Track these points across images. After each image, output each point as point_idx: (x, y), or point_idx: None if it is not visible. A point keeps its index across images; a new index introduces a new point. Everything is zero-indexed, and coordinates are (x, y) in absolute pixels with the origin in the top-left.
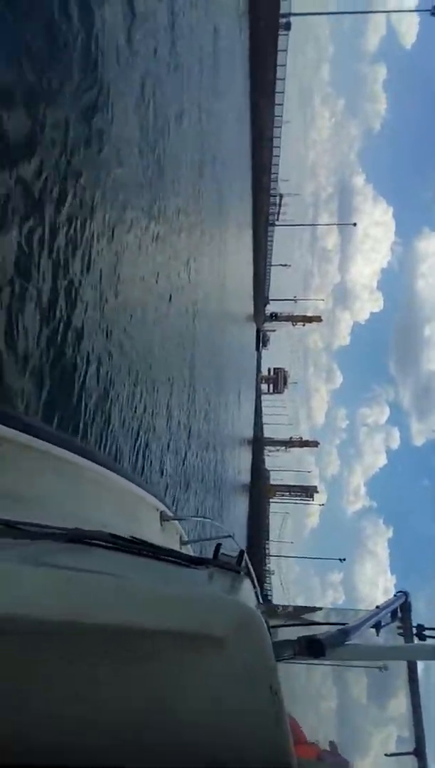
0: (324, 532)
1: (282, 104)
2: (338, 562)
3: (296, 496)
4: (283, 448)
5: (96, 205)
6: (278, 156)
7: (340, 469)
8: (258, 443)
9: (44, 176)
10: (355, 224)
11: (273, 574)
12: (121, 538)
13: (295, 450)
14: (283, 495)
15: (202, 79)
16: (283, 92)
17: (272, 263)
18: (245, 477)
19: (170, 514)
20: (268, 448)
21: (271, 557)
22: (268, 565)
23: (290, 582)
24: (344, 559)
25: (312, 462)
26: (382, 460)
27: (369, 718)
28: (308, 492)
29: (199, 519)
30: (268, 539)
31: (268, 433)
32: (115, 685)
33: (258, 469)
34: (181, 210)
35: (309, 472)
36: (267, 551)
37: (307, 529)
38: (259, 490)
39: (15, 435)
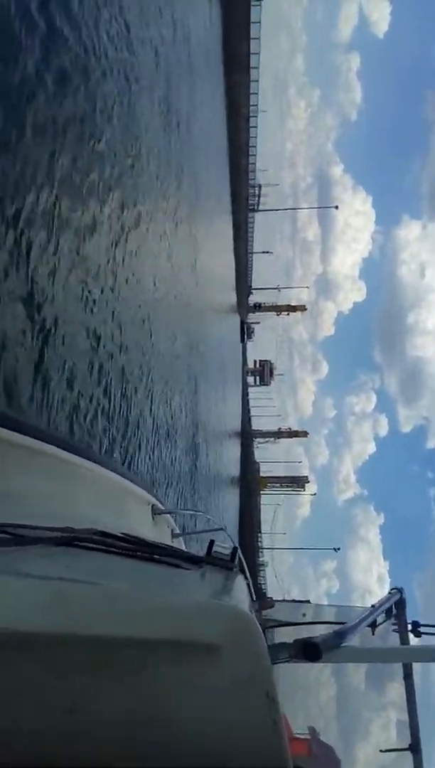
0: (316, 522)
1: (257, 80)
2: (331, 551)
3: (287, 487)
4: (273, 439)
5: (66, 195)
6: (256, 137)
7: (330, 459)
8: (247, 435)
9: (12, 166)
10: (337, 207)
11: (267, 566)
12: (112, 536)
13: (284, 441)
14: (274, 486)
15: (175, 56)
16: (257, 68)
17: (254, 251)
18: (235, 470)
19: (161, 507)
20: (257, 440)
21: (264, 550)
22: (261, 558)
23: (284, 573)
24: (339, 549)
25: (301, 453)
26: (370, 448)
27: (367, 706)
28: (299, 482)
29: (190, 512)
30: (260, 531)
31: (256, 425)
32: (109, 697)
33: (248, 462)
34: (156, 197)
35: (299, 462)
36: (260, 544)
37: (298, 519)
38: (250, 482)
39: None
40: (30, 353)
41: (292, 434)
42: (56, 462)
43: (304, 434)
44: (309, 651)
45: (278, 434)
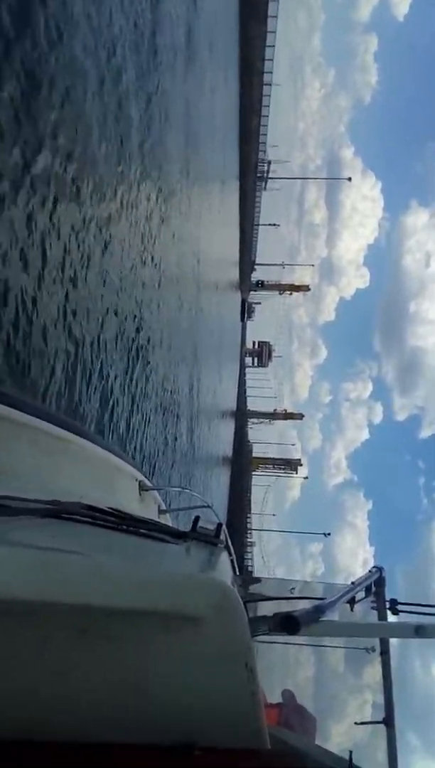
0: (305, 505)
1: (272, 59)
2: (320, 535)
3: (280, 469)
4: (268, 420)
5: (73, 168)
6: (267, 116)
7: (323, 443)
8: (241, 415)
9: (18, 143)
10: (350, 179)
11: (254, 546)
12: (99, 510)
13: (279, 423)
14: (266, 468)
15: (188, 27)
16: (273, 46)
17: (260, 223)
18: (227, 449)
19: (149, 484)
20: (251, 420)
21: (252, 531)
22: (249, 538)
23: (271, 554)
24: (329, 534)
25: (295, 436)
26: (364, 435)
27: (345, 686)
28: (292, 465)
29: (178, 489)
30: (250, 512)
31: (251, 406)
32: (92, 665)
33: (241, 442)
34: (157, 159)
35: (293, 445)
36: (249, 524)
37: (288, 502)
38: (242, 462)
39: None
40: (18, 326)
41: (288, 416)
42: (44, 436)
43: (300, 416)
44: (288, 624)
45: (273, 415)
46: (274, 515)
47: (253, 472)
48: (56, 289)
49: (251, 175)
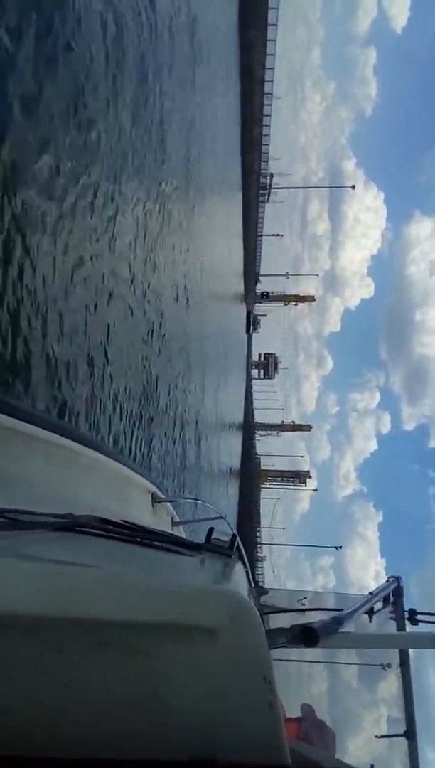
0: (315, 518)
1: (273, 68)
2: (331, 548)
3: (289, 481)
4: (275, 432)
5: (76, 181)
6: (269, 126)
7: (331, 455)
8: (249, 428)
9: (20, 154)
10: (353, 187)
11: (265, 560)
12: (112, 523)
13: (286, 435)
14: (275, 480)
15: (188, 37)
16: (273, 54)
17: (263, 233)
18: (236, 462)
19: (162, 495)
20: (259, 432)
21: (262, 545)
22: (260, 553)
23: (281, 567)
24: (340, 547)
25: (303, 448)
26: (372, 445)
27: (360, 700)
28: (301, 477)
29: (190, 500)
30: (259, 525)
31: (259, 418)
32: (107, 679)
33: (249, 455)
34: (159, 170)
35: (301, 456)
36: (259, 538)
37: (297, 514)
38: (250, 475)
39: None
40: (30, 341)
41: (296, 427)
42: (57, 449)
43: (308, 428)
44: (306, 636)
45: (281, 427)
46: (283, 528)
47: (262, 485)
48: (67, 304)
49: (254, 185)
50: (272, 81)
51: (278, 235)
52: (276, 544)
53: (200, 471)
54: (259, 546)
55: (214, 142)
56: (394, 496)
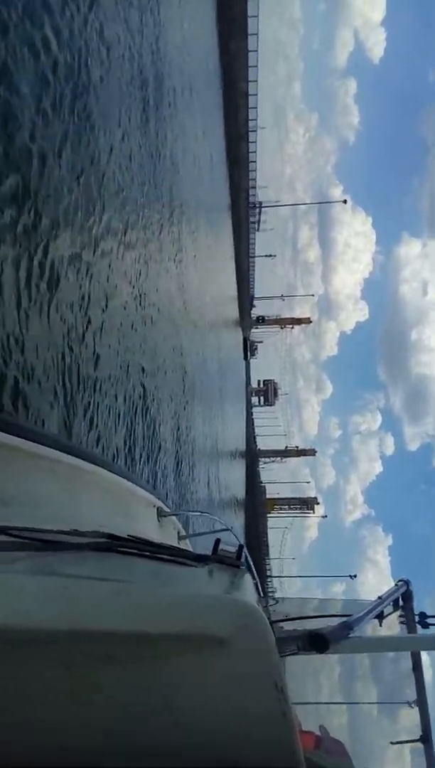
0: (324, 545)
1: (256, 81)
2: (345, 577)
3: (296, 509)
4: (280, 458)
5: (64, 213)
6: (255, 152)
7: (336, 479)
8: (252, 456)
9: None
10: (345, 201)
11: (276, 592)
12: (119, 538)
13: (291, 462)
14: (281, 509)
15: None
16: (256, 66)
17: (256, 255)
18: (240, 492)
19: (167, 509)
20: (262, 459)
21: (272, 578)
22: (270, 587)
23: (293, 595)
24: (355, 576)
25: (308, 474)
26: (377, 467)
27: (381, 734)
28: (308, 504)
29: (196, 513)
30: (268, 557)
31: (261, 446)
32: (119, 690)
33: (253, 483)
34: (145, 193)
35: (308, 482)
36: (268, 571)
37: (306, 543)
38: (256, 504)
39: (4, 438)
40: (34, 362)
41: (300, 453)
42: (61, 466)
43: (312, 452)
44: (316, 642)
45: (285, 453)
46: (293, 559)
47: (269, 515)
48: (63, 321)
49: (244, 204)
50: (256, 94)
51: (271, 255)
52: (286, 576)
53: (203, 504)
54: (269, 579)
55: (199, 159)
56: (403, 518)
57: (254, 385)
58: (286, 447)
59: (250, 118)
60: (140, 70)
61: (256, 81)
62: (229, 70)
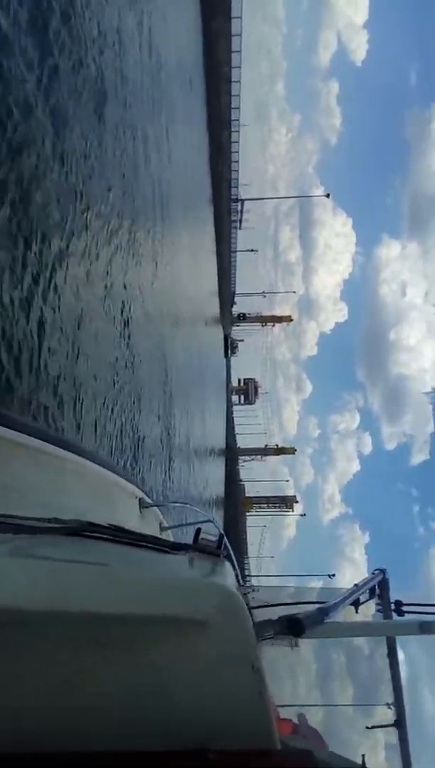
0: (302, 544)
1: (239, 81)
2: (322, 575)
3: (275, 507)
4: (259, 456)
5: (45, 213)
6: (238, 153)
7: (314, 478)
8: (231, 454)
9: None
10: (328, 195)
11: (256, 591)
12: (101, 526)
13: (270, 460)
14: (260, 507)
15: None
16: (239, 81)
17: (238, 250)
18: (219, 490)
19: (149, 501)
20: (242, 458)
21: (251, 576)
22: (248, 584)
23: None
24: (334, 575)
25: (286, 472)
26: (355, 466)
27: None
28: (287, 502)
29: (178, 504)
30: (247, 555)
31: (241, 444)
32: (103, 671)
33: (232, 482)
34: (125, 188)
35: (287, 481)
36: (247, 570)
37: (284, 541)
38: (235, 503)
39: None
40: (18, 354)
41: (280, 451)
42: (45, 456)
43: (292, 451)
44: (292, 626)
45: (265, 451)
46: (272, 557)
47: (247, 513)
48: (46, 315)
49: (226, 196)
50: (239, 107)
51: (253, 250)
52: (265, 575)
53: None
54: (247, 578)
55: (180, 144)
56: (380, 517)
57: (235, 383)
58: (266, 445)
59: (232, 106)
60: (120, 43)
61: (240, 67)
62: (212, 52)
